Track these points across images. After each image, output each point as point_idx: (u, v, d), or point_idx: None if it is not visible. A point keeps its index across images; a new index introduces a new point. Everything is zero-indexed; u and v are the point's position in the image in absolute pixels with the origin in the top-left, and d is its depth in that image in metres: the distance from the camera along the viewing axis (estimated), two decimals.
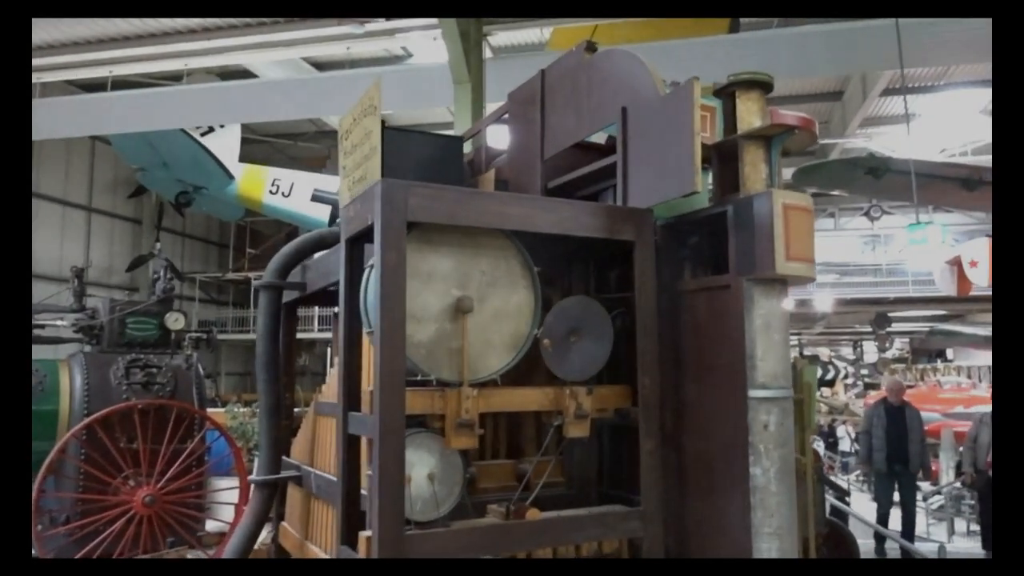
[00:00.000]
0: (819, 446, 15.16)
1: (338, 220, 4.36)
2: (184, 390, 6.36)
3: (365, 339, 2.80)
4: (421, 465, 2.52)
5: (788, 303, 2.66)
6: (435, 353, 2.56)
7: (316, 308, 19.37)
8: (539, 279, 2.76)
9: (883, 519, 8.83)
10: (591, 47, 3.38)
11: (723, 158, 2.80)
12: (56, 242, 18.16)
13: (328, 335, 17.81)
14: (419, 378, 2.66)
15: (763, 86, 2.74)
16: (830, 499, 7.03)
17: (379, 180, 2.43)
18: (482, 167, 4.35)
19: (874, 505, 9.44)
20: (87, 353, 6.63)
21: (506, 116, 4.07)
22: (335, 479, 3.16)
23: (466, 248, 2.66)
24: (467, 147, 4.42)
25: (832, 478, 12.41)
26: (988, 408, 8.68)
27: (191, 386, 6.33)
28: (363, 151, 3.99)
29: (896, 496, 8.95)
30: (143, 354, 6.48)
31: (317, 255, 4.11)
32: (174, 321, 5.59)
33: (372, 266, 2.70)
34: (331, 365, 4.61)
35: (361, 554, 2.47)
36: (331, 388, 3.79)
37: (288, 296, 4.25)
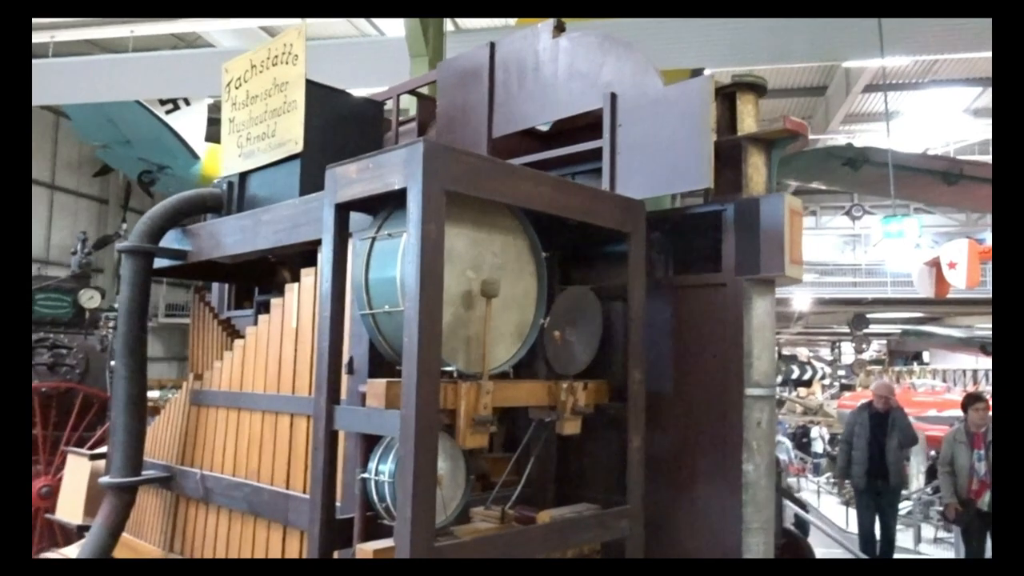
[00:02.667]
0: (787, 448, 14.55)
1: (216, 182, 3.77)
2: (96, 374, 5.59)
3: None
4: None
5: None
6: (449, 340, 2.27)
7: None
8: (545, 265, 2.58)
9: (866, 541, 8.01)
10: (560, 27, 3.24)
11: (721, 158, 2.82)
12: None
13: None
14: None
15: (760, 89, 2.81)
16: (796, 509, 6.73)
17: (421, 141, 2.09)
18: (396, 136, 4.00)
19: (843, 509, 8.92)
20: None
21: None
22: (280, 489, 2.71)
23: (481, 227, 2.40)
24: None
25: (802, 479, 11.94)
26: (958, 424, 7.89)
27: (105, 370, 5.50)
28: (271, 104, 3.50)
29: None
30: (52, 333, 5.76)
31: (210, 221, 3.50)
32: (88, 299, 4.79)
33: (374, 238, 2.34)
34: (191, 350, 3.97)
35: None
36: (223, 375, 3.26)
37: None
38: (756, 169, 2.73)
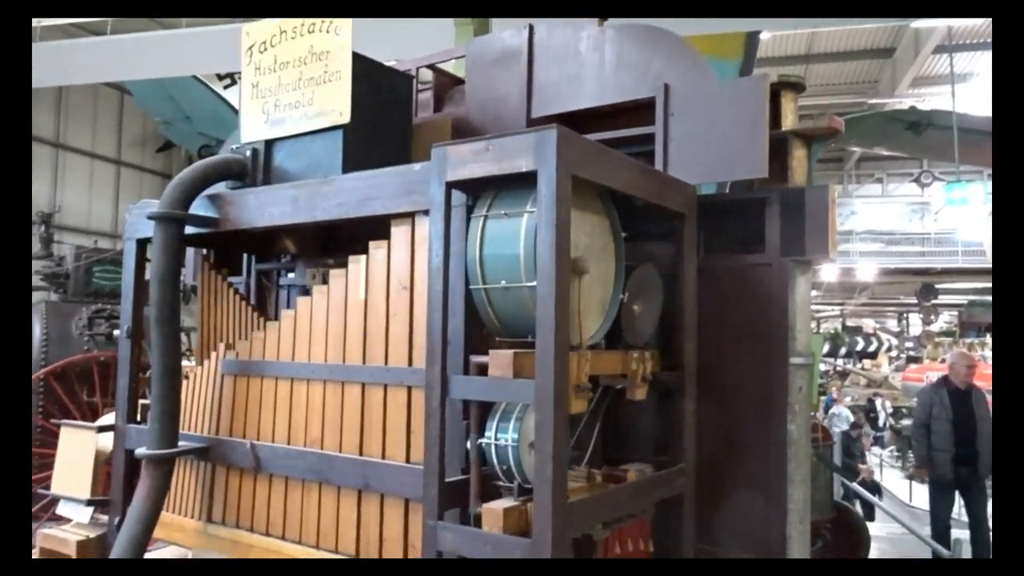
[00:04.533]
0: (846, 418, 13.08)
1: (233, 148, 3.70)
2: None
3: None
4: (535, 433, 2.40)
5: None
6: None
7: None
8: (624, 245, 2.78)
9: (942, 536, 6.75)
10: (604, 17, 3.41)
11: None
12: (84, 195, 17.40)
13: None
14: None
15: (799, 88, 3.10)
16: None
17: (553, 127, 2.23)
18: (415, 109, 4.04)
19: (907, 484, 8.02)
20: (49, 302, 6.27)
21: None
22: (354, 456, 2.79)
23: (576, 209, 2.56)
24: None
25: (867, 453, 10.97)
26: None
27: None
28: (307, 72, 3.49)
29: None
30: (110, 304, 5.94)
31: (247, 190, 3.44)
32: None
33: (485, 216, 2.46)
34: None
35: (493, 528, 2.27)
36: (267, 346, 3.27)
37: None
38: (799, 161, 3.03)
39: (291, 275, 4.39)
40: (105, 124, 18.17)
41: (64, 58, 11.01)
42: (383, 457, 2.81)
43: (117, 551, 3.08)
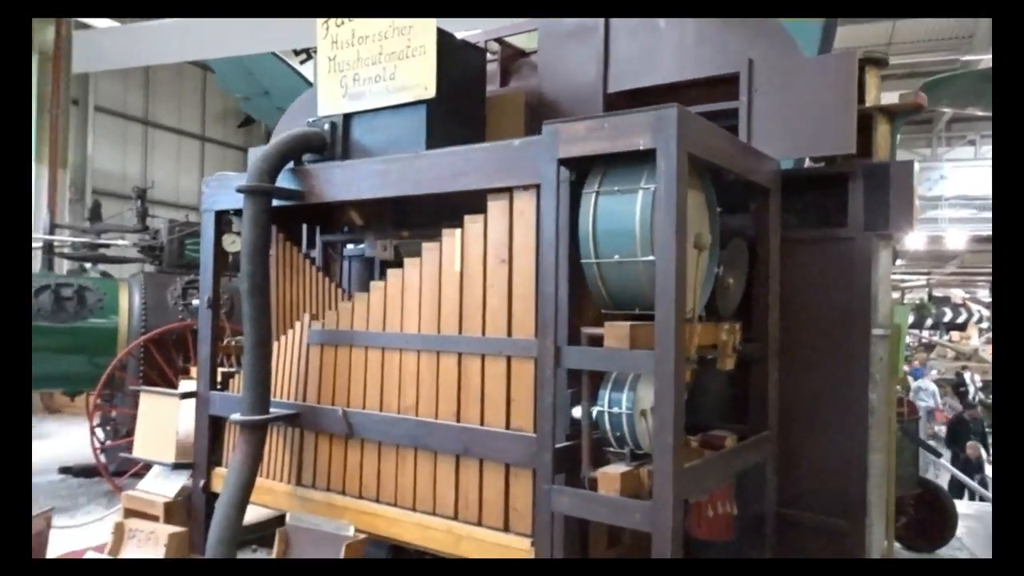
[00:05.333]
0: (933, 393, 12.89)
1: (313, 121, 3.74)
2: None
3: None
4: (648, 400, 2.51)
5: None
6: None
7: None
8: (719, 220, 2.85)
9: None
10: None
11: None
12: (172, 170, 18.03)
13: None
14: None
15: (883, 63, 3.15)
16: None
17: (674, 106, 2.29)
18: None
19: None
20: (146, 273, 6.59)
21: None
22: (452, 423, 2.89)
23: None
24: None
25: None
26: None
27: None
28: (388, 47, 3.53)
29: None
30: None
31: (336, 164, 3.50)
32: (230, 243, 4.81)
33: (597, 192, 2.53)
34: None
35: (609, 491, 2.38)
36: (356, 317, 3.35)
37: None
38: (883, 136, 3.09)
39: (352, 246, 4.49)
40: (189, 101, 18.79)
41: (150, 39, 11.46)
42: (481, 424, 2.91)
43: (220, 513, 3.21)
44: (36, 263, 7.00)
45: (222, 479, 3.78)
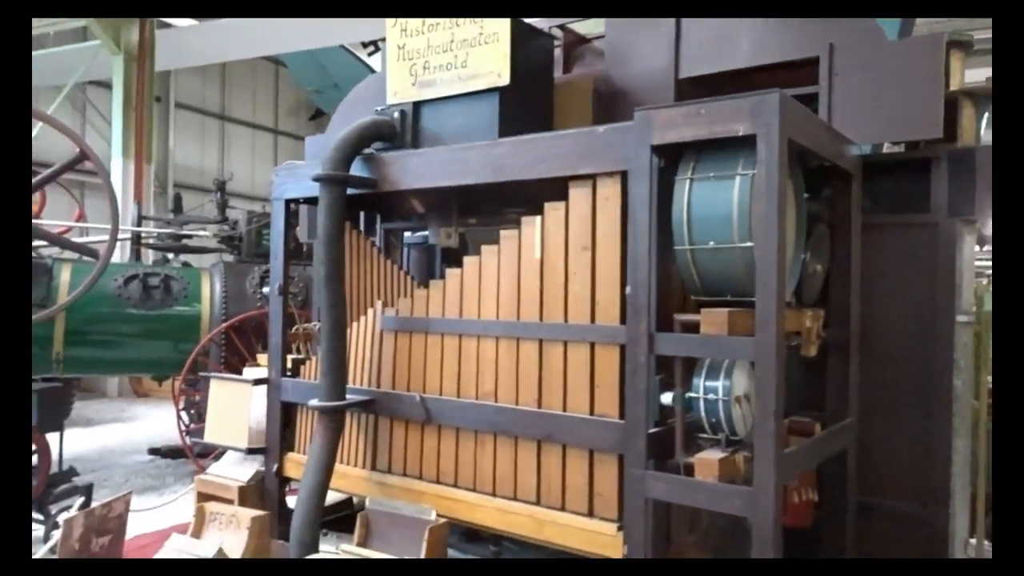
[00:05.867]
0: None
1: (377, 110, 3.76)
2: None
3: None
4: (743, 387, 2.51)
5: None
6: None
7: None
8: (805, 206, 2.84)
9: None
10: None
11: None
12: (248, 163, 18.68)
13: None
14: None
15: (967, 46, 3.10)
16: None
17: (776, 92, 2.28)
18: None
19: None
20: (226, 262, 6.81)
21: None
22: (533, 409, 2.91)
23: None
24: None
25: None
26: None
27: None
28: (459, 34, 3.53)
29: None
30: None
31: (410, 152, 3.52)
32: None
33: (691, 179, 2.53)
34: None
35: (707, 476, 2.39)
36: (431, 304, 3.38)
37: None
38: (968, 120, 3.06)
39: (409, 234, 4.51)
40: (263, 96, 19.54)
41: (227, 35, 11.79)
42: (564, 410, 2.93)
43: (303, 496, 3.26)
44: (125, 254, 7.21)
45: (294, 464, 3.86)
